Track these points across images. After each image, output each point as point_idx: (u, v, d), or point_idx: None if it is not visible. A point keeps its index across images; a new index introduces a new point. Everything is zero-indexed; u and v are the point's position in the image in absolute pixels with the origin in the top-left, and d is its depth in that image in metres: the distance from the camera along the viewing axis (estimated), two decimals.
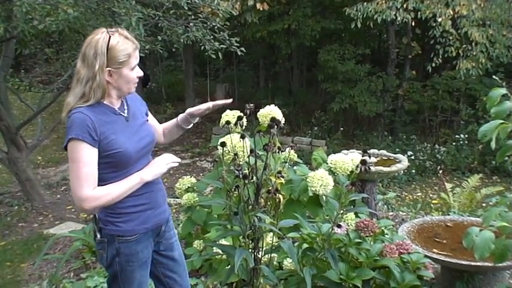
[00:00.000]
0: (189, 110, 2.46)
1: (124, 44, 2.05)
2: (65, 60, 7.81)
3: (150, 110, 2.45)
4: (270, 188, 2.37)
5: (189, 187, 3.97)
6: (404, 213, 5.78)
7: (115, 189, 2.06)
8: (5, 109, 6.55)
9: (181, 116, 2.47)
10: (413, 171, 9.00)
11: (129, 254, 2.14)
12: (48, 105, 7.25)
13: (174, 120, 2.51)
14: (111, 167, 2.08)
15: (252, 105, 2.37)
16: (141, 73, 2.15)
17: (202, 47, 5.62)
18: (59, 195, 7.22)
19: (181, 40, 5.49)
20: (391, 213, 5.73)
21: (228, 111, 2.99)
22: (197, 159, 10.14)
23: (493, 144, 1.88)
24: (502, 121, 1.90)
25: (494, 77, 2.50)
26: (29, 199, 6.66)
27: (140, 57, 2.18)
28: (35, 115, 7.09)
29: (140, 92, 2.40)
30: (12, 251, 5.14)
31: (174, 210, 5.54)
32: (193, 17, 5.50)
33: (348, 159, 3.58)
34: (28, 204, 6.57)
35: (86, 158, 1.99)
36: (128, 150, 2.08)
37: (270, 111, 2.88)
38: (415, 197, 8.02)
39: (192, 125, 2.51)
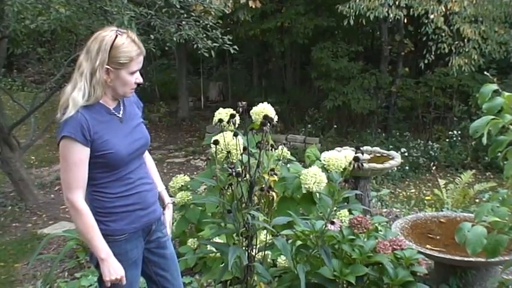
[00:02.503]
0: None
1: (129, 46, 2.04)
2: (58, 60, 7.79)
3: (144, 109, 2.40)
4: (263, 186, 2.37)
5: (182, 185, 3.97)
6: (398, 210, 5.79)
7: (86, 227, 2.01)
8: None
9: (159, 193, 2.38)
10: (407, 167, 9.03)
11: (118, 253, 2.11)
12: (41, 104, 7.22)
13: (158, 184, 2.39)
14: (102, 167, 2.07)
15: (244, 103, 2.37)
16: (140, 80, 2.13)
17: (195, 46, 5.62)
18: (52, 195, 7.19)
19: (174, 39, 5.49)
20: (384, 210, 5.75)
21: (221, 109, 2.99)
22: (191, 157, 10.13)
23: (484, 140, 1.89)
24: (493, 117, 1.90)
25: (486, 73, 2.51)
26: (22, 199, 6.64)
27: None
28: (28, 115, 7.05)
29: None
30: (6, 251, 5.12)
31: None
32: (185, 15, 5.51)
33: (341, 156, 3.58)
34: (22, 204, 6.55)
35: (76, 157, 1.99)
36: (120, 152, 2.07)
37: (263, 109, 2.88)
38: (408, 193, 8.04)
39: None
